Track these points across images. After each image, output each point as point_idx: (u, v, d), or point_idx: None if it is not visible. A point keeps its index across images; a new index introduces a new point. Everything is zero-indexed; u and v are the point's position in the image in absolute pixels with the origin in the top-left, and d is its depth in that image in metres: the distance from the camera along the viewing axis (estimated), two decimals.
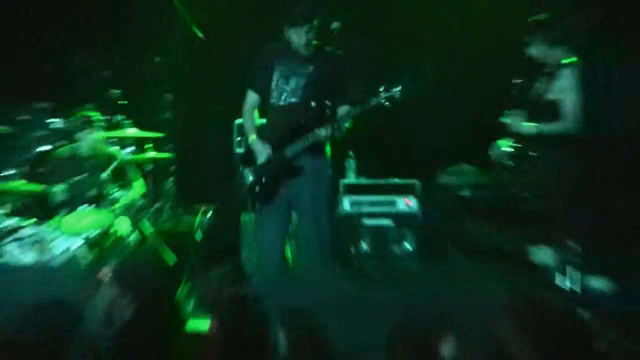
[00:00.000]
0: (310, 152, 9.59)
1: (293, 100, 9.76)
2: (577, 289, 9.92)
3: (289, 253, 10.72)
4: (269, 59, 9.83)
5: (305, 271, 10.30)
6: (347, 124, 9.51)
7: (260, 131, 9.93)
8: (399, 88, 9.25)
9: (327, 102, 9.77)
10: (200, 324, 6.94)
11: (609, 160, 10.30)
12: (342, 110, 9.59)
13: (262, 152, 9.74)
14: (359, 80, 9.82)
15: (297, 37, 9.56)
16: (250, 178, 9.88)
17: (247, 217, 11.80)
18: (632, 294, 9.90)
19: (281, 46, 9.75)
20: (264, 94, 9.88)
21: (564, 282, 9.93)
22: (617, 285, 9.87)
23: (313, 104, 9.67)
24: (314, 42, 9.62)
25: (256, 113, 10.06)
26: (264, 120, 10.04)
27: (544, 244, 10.15)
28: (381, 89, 9.32)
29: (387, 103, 9.29)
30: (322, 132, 9.41)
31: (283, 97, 9.81)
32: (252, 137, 9.84)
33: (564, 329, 6.93)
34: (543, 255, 10.07)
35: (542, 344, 6.26)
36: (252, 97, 9.98)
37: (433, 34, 12.94)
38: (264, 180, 9.82)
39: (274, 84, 9.79)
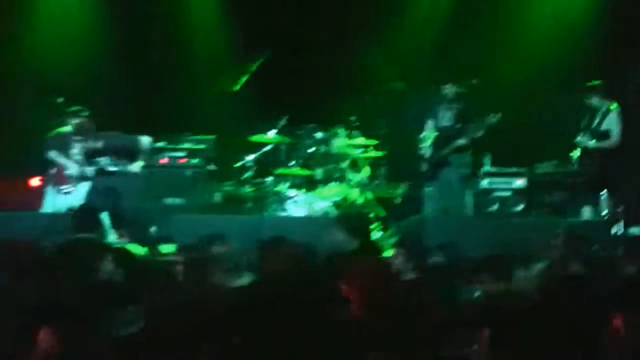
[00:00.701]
0: (453, 152, 11.13)
1: (447, 123, 11.26)
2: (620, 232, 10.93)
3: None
4: (437, 100, 11.36)
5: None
6: (473, 137, 11.10)
7: (433, 141, 11.39)
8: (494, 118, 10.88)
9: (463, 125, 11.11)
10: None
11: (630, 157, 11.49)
12: (472, 129, 11.06)
13: (429, 153, 11.29)
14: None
15: (449, 90, 11.06)
16: (424, 168, 11.40)
17: (427, 189, 12.20)
18: None
19: (442, 93, 11.32)
20: (435, 120, 11.39)
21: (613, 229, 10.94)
22: None
23: (457, 125, 11.10)
24: (459, 90, 11.13)
25: (430, 131, 11.46)
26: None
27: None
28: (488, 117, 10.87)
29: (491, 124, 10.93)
30: (459, 142, 10.94)
31: (443, 121, 11.31)
32: (425, 145, 11.46)
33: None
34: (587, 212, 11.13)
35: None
36: (429, 122, 11.47)
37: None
38: (431, 168, 11.31)
39: (439, 113, 11.32)
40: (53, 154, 11.47)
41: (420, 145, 11.95)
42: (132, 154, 11.35)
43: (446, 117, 11.38)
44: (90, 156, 11.35)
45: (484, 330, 5.37)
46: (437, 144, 11.33)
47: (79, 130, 11.42)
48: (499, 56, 13.68)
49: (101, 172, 11.29)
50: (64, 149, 11.51)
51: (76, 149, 11.50)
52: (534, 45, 13.71)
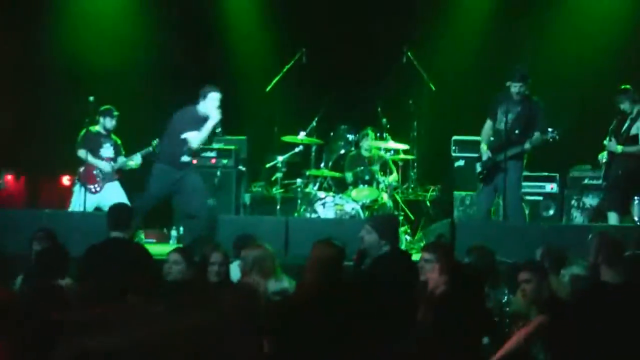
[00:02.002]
0: (511, 159, 10.77)
1: (507, 127, 10.80)
2: None
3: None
4: (498, 102, 10.97)
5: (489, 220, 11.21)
6: (536, 145, 10.74)
7: (489, 143, 11.06)
8: (554, 134, 10.59)
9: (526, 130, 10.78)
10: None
11: None
12: (535, 136, 10.68)
13: (485, 154, 10.98)
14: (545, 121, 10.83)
15: (514, 89, 10.81)
16: (479, 169, 11.12)
17: (457, 193, 12.50)
18: None
19: (504, 94, 10.91)
20: (494, 121, 11.02)
21: None
22: None
23: (517, 130, 10.81)
24: (526, 92, 10.80)
25: (489, 132, 11.11)
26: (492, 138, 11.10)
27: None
28: (548, 132, 10.59)
29: (550, 140, 10.61)
30: (518, 148, 10.70)
31: (501, 124, 10.88)
32: (483, 146, 11.05)
33: None
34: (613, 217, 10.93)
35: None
36: (488, 123, 11.11)
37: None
38: (485, 170, 11.00)
39: (498, 115, 10.92)
40: (83, 153, 11.69)
41: (453, 148, 11.94)
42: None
43: (505, 120, 10.87)
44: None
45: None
46: (495, 148, 10.98)
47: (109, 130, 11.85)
48: (532, 60, 13.45)
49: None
50: (94, 148, 11.78)
51: (105, 149, 11.86)
52: (568, 49, 13.80)
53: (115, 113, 11.87)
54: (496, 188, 10.94)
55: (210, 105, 10.32)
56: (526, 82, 10.76)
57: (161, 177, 10.45)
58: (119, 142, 12.12)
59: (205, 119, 10.33)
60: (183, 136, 10.30)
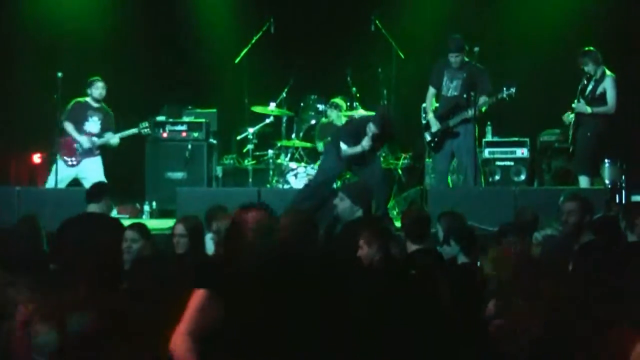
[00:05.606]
0: (462, 123, 10.93)
1: (454, 93, 11.07)
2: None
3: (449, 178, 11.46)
4: (441, 68, 11.15)
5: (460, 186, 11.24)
6: (483, 108, 10.89)
7: (435, 111, 11.18)
8: (511, 91, 10.64)
9: (472, 95, 10.87)
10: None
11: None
12: (481, 99, 10.80)
13: (434, 125, 11.12)
14: (489, 84, 10.95)
15: (453, 59, 11.01)
16: (428, 138, 11.24)
17: (428, 160, 12.42)
18: None
19: (447, 61, 11.03)
20: (438, 89, 11.18)
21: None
22: None
23: (464, 95, 10.98)
24: (465, 59, 10.93)
25: (433, 100, 11.27)
26: (437, 104, 11.21)
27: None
28: (504, 90, 10.70)
29: (507, 98, 10.71)
30: (469, 112, 10.79)
31: (448, 91, 11.10)
32: (430, 115, 11.15)
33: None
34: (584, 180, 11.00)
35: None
36: (431, 90, 11.26)
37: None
38: (435, 139, 11.15)
39: (443, 83, 11.12)
40: (66, 125, 11.63)
41: (425, 116, 12.03)
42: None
43: (452, 87, 11.09)
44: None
45: None
46: (443, 114, 11.06)
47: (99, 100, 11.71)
48: (500, 24, 13.77)
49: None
50: (79, 121, 11.71)
51: (90, 123, 11.75)
52: (535, 12, 13.91)
53: (101, 83, 11.71)
54: (452, 153, 11.08)
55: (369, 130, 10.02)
56: (463, 51, 10.91)
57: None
58: (110, 114, 11.91)
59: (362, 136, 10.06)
60: (342, 145, 10.09)
